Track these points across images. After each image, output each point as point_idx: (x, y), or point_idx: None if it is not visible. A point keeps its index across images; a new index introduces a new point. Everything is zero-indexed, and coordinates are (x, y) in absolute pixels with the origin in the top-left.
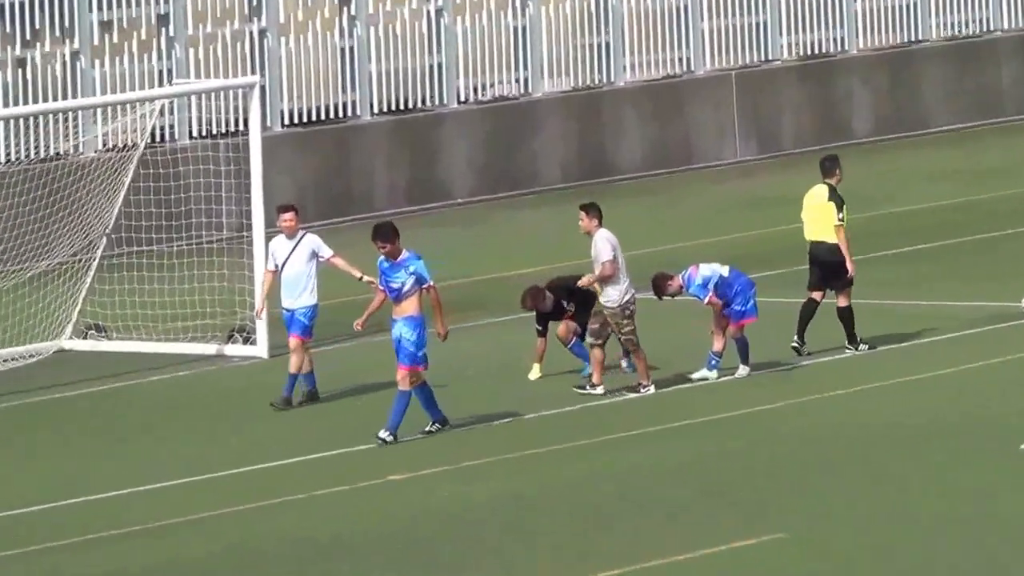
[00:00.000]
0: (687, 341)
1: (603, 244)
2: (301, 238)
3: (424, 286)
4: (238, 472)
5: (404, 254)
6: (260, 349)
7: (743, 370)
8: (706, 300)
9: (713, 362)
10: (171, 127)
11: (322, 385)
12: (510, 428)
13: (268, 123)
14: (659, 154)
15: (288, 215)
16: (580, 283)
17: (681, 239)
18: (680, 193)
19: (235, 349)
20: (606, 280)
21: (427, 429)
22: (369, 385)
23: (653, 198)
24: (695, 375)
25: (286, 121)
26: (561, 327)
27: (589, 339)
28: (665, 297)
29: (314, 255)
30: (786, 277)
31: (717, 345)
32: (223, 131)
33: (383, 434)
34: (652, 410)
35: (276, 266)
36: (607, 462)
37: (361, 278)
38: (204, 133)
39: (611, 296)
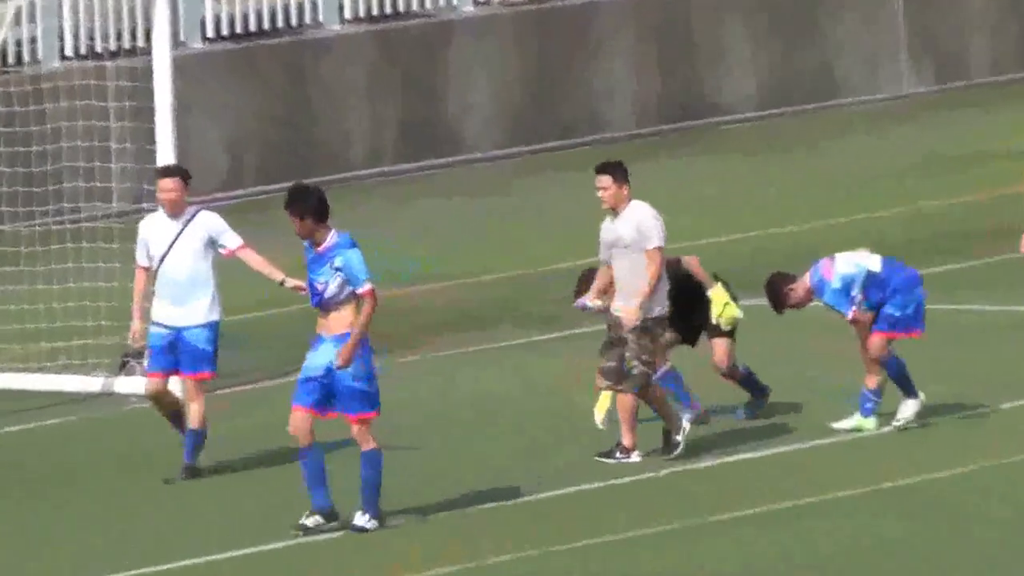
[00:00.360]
0: (807, 364)
1: (651, 222)
2: (191, 219)
3: (356, 290)
4: None
5: (331, 239)
6: (172, 384)
7: (909, 407)
8: (849, 315)
9: (868, 405)
10: (32, 42)
11: (240, 445)
12: (530, 509)
13: (183, 36)
14: (782, 88)
15: (169, 183)
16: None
17: (813, 216)
18: (813, 146)
19: (131, 384)
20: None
21: (303, 522)
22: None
23: (770, 153)
24: (841, 424)
25: (210, 33)
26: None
27: (602, 383)
28: (787, 310)
29: (211, 244)
30: (982, 274)
31: (872, 381)
32: (112, 49)
33: (362, 521)
34: (759, 479)
35: (151, 261)
36: (686, 560)
37: (283, 282)
38: (83, 51)
39: (651, 303)
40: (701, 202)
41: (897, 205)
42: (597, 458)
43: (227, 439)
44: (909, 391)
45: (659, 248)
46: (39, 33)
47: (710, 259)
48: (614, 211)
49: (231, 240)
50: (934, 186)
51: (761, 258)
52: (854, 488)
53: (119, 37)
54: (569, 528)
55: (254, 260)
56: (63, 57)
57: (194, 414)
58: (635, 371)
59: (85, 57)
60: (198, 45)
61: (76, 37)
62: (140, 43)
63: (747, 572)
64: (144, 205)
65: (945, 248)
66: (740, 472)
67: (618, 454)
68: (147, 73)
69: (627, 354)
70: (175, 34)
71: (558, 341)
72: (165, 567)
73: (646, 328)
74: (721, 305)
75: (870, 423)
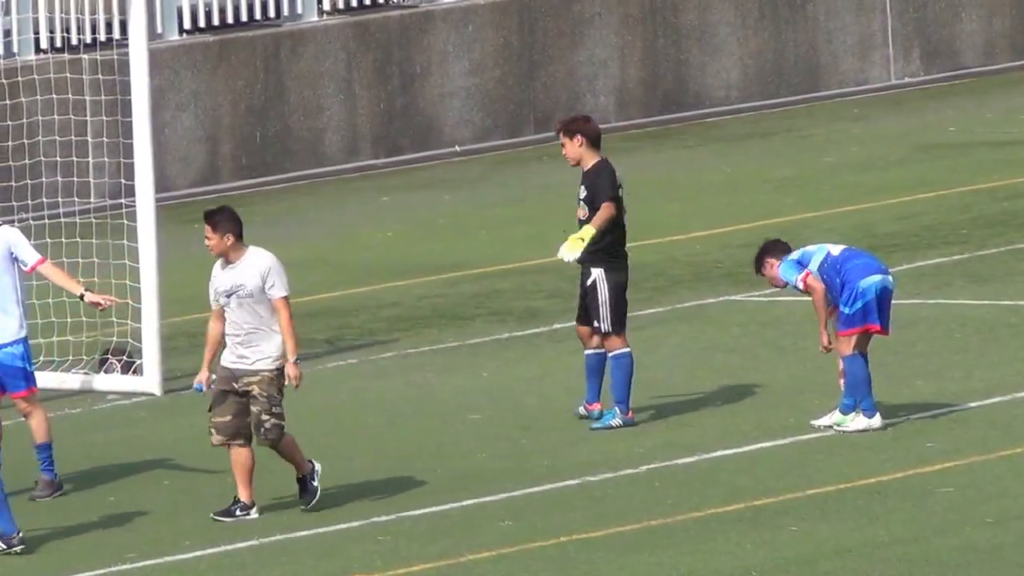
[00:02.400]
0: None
1: (279, 269)
2: None
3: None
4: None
5: (243, 253)
6: (148, 381)
7: (855, 420)
8: (799, 282)
9: (846, 401)
10: (6, 35)
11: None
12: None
13: (159, 28)
14: (768, 77)
15: None
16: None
17: (801, 207)
18: (801, 135)
19: (110, 381)
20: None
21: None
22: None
23: (757, 142)
24: (821, 420)
25: (187, 24)
26: None
27: (217, 439)
28: (762, 276)
29: (12, 260)
30: (973, 266)
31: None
32: (88, 42)
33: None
34: (742, 477)
35: None
36: (667, 559)
37: (83, 296)
38: (59, 44)
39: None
40: (686, 193)
41: (886, 196)
42: (214, 517)
43: (190, 439)
44: (852, 398)
45: (287, 297)
46: (14, 26)
47: (697, 251)
48: (226, 259)
49: (29, 256)
50: (923, 176)
51: (748, 250)
52: (839, 485)
53: (95, 30)
54: (546, 526)
55: (54, 275)
56: (38, 50)
57: (38, 429)
58: (268, 424)
59: (61, 50)
60: (175, 37)
61: (51, 30)
62: (116, 35)
63: (730, 570)
64: (123, 200)
65: (935, 240)
66: (721, 470)
67: (238, 511)
68: (124, 65)
69: (256, 408)
70: (152, 26)
71: (535, 337)
72: (148, 563)
73: (273, 379)
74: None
75: (849, 419)
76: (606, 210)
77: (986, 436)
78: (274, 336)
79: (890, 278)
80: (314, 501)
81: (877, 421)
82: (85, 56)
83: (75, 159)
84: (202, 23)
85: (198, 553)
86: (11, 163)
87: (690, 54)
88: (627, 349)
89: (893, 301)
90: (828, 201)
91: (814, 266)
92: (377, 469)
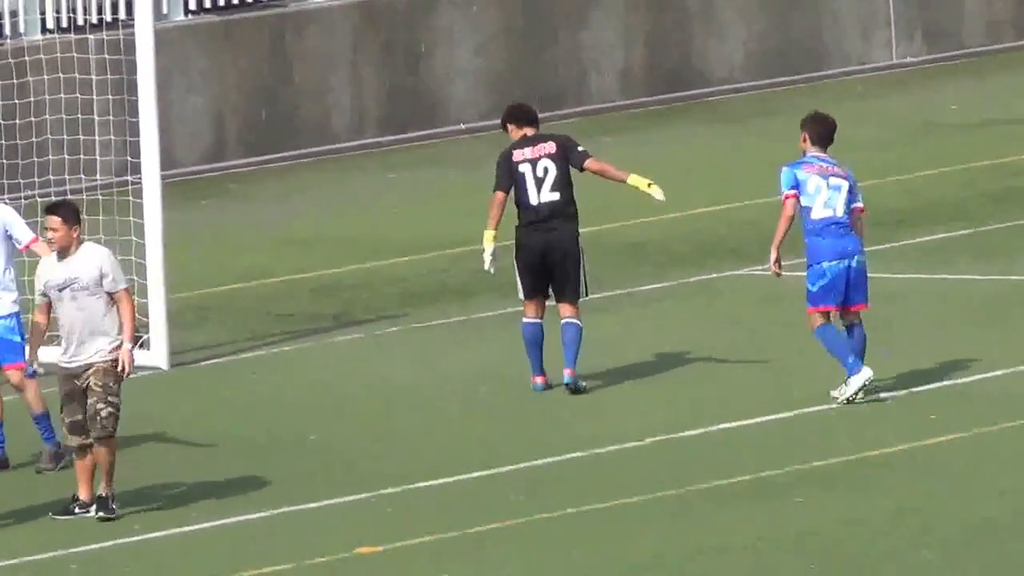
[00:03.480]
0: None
1: (115, 262)
2: None
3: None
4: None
5: (80, 247)
6: (157, 356)
7: (851, 383)
8: (782, 191)
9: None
10: (13, 15)
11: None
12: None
13: (165, 9)
14: (771, 57)
15: None
16: None
17: None
18: (804, 115)
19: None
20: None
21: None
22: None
23: (761, 121)
24: (841, 392)
25: (192, 5)
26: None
27: (74, 441)
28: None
29: (7, 238)
30: (977, 243)
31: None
32: (94, 22)
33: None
34: (745, 449)
35: None
36: (671, 531)
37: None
38: (65, 25)
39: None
40: (690, 173)
41: (890, 174)
42: (53, 516)
43: (198, 413)
44: (850, 365)
45: (128, 288)
46: (21, 6)
47: (700, 229)
48: (62, 252)
49: (23, 234)
50: (927, 155)
51: (752, 229)
52: (844, 457)
53: (101, 10)
54: (554, 498)
55: (45, 253)
56: (45, 30)
57: (34, 400)
58: (104, 412)
59: (67, 30)
60: (180, 17)
61: (58, 10)
62: (122, 15)
63: (737, 542)
64: (128, 178)
65: (939, 217)
66: (727, 443)
67: (76, 508)
68: (130, 45)
69: (92, 399)
70: (157, 6)
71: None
72: (156, 535)
73: (109, 369)
74: (645, 185)
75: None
76: (493, 199)
77: (990, 409)
78: (108, 329)
79: (857, 258)
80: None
81: (867, 372)
82: (91, 36)
83: (82, 137)
84: (208, 3)
85: (205, 525)
86: (19, 142)
87: (694, 35)
88: (524, 318)
89: (897, 275)
90: None
91: (800, 191)
92: (384, 443)
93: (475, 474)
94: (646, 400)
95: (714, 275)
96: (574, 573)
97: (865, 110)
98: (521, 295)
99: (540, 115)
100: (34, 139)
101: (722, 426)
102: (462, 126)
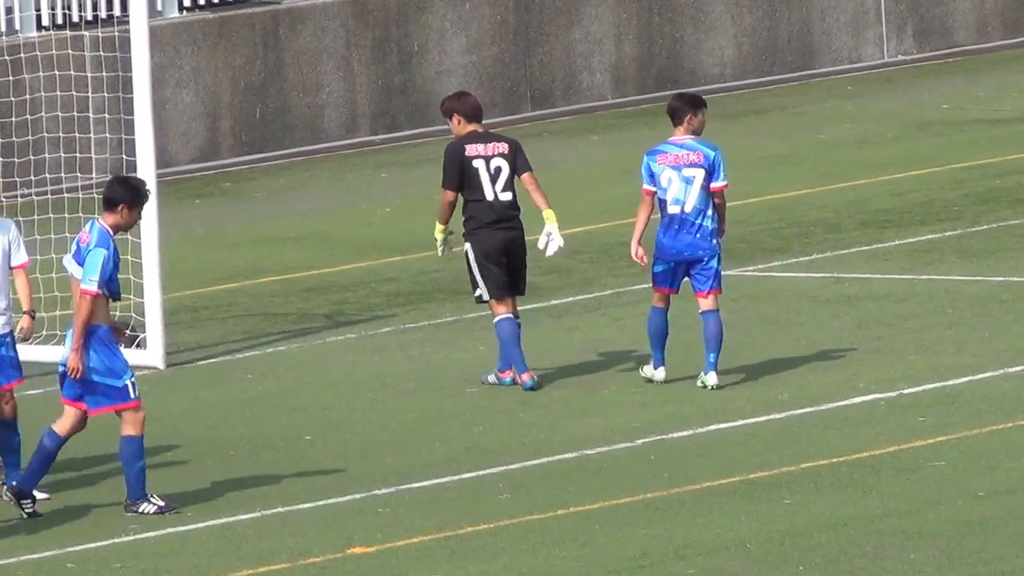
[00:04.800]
0: (788, 334)
1: (19, 238)
2: None
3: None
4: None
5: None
6: (152, 354)
7: (653, 372)
8: (642, 182)
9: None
10: (8, 12)
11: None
12: (505, 480)
13: (159, 5)
14: (762, 55)
15: None
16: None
17: (794, 184)
18: (794, 113)
19: None
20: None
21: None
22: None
23: (751, 119)
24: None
25: (187, 2)
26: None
27: None
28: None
29: (6, 255)
30: (967, 243)
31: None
32: (89, 18)
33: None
34: (736, 450)
35: None
36: (662, 531)
37: (28, 313)
38: (60, 21)
39: None
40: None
41: (880, 173)
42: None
43: (193, 412)
44: (655, 355)
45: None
46: (16, 3)
47: None
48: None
49: (19, 256)
50: (916, 153)
51: (740, 229)
52: (833, 458)
53: (96, 7)
54: (544, 499)
55: (23, 283)
56: (40, 27)
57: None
58: None
59: (62, 27)
60: (175, 14)
61: (53, 7)
62: (117, 12)
63: (725, 543)
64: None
65: (927, 218)
66: (716, 443)
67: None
68: (124, 43)
69: None
70: (152, 3)
71: (532, 312)
72: (132, 538)
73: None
74: (550, 227)
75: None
76: (442, 199)
77: (978, 410)
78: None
79: (701, 255)
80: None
81: (660, 374)
82: (86, 33)
83: (77, 135)
84: (202, 0)
85: (200, 525)
86: (14, 139)
87: (685, 32)
88: (499, 316)
89: (884, 276)
90: (821, 178)
91: (657, 185)
92: (377, 443)
93: (466, 475)
94: (635, 401)
95: None
96: (564, 573)
97: (855, 108)
98: (486, 296)
99: (531, 113)
100: (30, 137)
101: (711, 427)
102: None
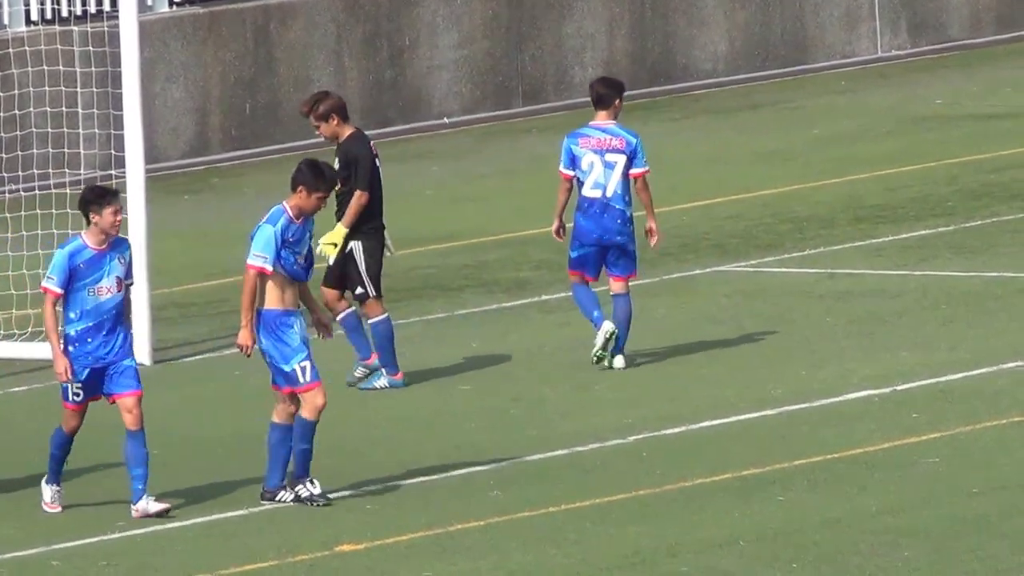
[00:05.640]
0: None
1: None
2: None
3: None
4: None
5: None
6: (140, 351)
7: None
8: (561, 163)
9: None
10: None
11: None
12: (496, 477)
13: (149, 1)
14: (755, 49)
15: None
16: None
17: (788, 180)
18: (788, 108)
19: None
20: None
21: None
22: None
23: (745, 114)
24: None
25: None
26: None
27: None
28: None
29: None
30: (960, 238)
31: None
32: (79, 13)
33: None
34: (729, 447)
35: None
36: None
37: None
38: (49, 16)
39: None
40: (674, 165)
41: (873, 168)
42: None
43: (180, 409)
44: (595, 319)
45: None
46: None
47: (682, 225)
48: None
49: None
50: (910, 148)
51: (734, 224)
52: (826, 455)
53: (85, 2)
54: (535, 496)
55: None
56: (29, 22)
57: None
58: None
59: (51, 22)
60: (164, 9)
61: (42, 1)
62: (106, 7)
63: (717, 541)
64: (112, 172)
65: (922, 212)
66: (708, 440)
67: None
68: (114, 38)
69: None
70: None
71: (524, 308)
72: (138, 531)
73: None
74: (331, 243)
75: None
76: (357, 200)
77: (972, 407)
78: None
79: (618, 240)
80: None
81: (607, 326)
82: (75, 28)
83: (65, 130)
84: None
85: (187, 522)
86: (2, 135)
87: (678, 26)
88: (385, 315)
89: (878, 271)
90: (815, 173)
91: (578, 169)
92: (366, 439)
93: (457, 472)
94: (628, 397)
95: (696, 271)
96: (555, 571)
97: (848, 104)
98: (373, 292)
99: (523, 108)
100: (18, 132)
101: (704, 424)
102: (445, 120)
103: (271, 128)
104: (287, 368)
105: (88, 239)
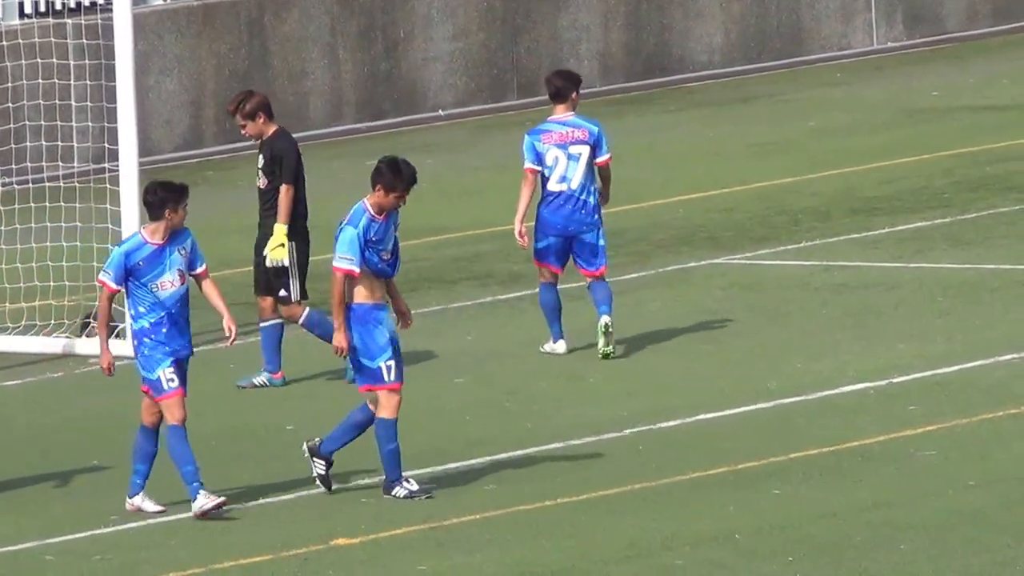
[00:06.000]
0: (775, 325)
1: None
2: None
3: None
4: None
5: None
6: (130, 345)
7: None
8: (525, 161)
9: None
10: None
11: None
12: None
13: None
14: (750, 41)
15: None
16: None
17: (784, 172)
18: (783, 100)
19: (92, 345)
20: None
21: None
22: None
23: (740, 107)
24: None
25: None
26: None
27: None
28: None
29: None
30: (956, 230)
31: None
32: (72, 6)
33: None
34: (725, 440)
35: None
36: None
37: None
38: (43, 9)
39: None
40: (669, 157)
41: (869, 160)
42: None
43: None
44: (554, 329)
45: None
46: None
47: (678, 217)
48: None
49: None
50: (906, 141)
51: (729, 216)
52: (822, 448)
53: None
54: (531, 489)
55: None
56: (23, 15)
57: None
58: None
59: (45, 15)
60: (158, 2)
61: None
62: (100, 0)
63: (713, 533)
64: (106, 165)
65: (918, 204)
66: (704, 433)
67: None
68: (107, 30)
69: None
70: None
71: (518, 300)
72: (132, 525)
73: None
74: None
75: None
76: (287, 195)
77: (968, 399)
78: None
79: (586, 232)
80: None
81: (560, 347)
82: (69, 21)
83: (59, 123)
84: None
85: (181, 516)
86: None
87: (673, 19)
88: (277, 320)
89: (874, 264)
90: (811, 166)
91: (543, 164)
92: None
93: (451, 465)
94: (623, 390)
95: (691, 263)
96: (550, 564)
97: (844, 96)
98: (297, 297)
99: (518, 100)
100: (11, 125)
101: (699, 417)
102: (440, 112)
103: None
104: (372, 365)
105: (149, 235)
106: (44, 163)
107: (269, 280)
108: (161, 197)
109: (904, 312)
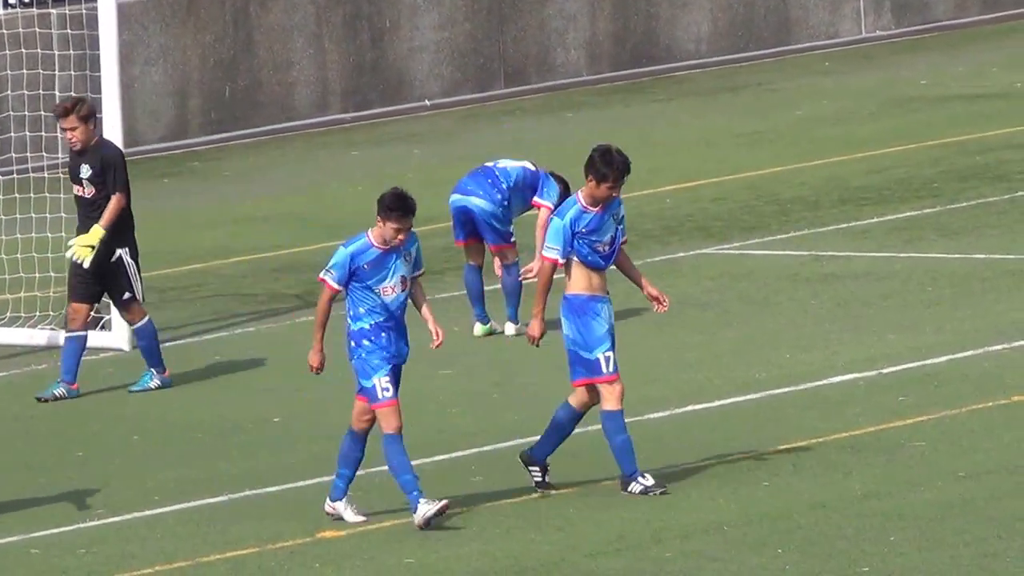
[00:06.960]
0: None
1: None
2: None
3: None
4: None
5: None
6: (117, 336)
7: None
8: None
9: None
10: None
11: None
12: (481, 460)
13: None
14: (738, 30)
15: None
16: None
17: (771, 162)
18: (771, 89)
19: (103, 338)
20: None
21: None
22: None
23: (727, 96)
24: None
25: None
26: None
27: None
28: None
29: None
30: (944, 220)
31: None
32: None
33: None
34: (716, 431)
35: None
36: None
37: None
38: None
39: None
40: (656, 147)
41: (857, 149)
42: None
43: (160, 394)
44: (474, 313)
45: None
46: None
47: (667, 207)
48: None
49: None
50: (895, 130)
51: (717, 207)
52: (812, 439)
53: None
54: (518, 481)
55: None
56: (7, 5)
57: None
58: None
59: (29, 4)
60: None
61: None
62: None
63: (703, 525)
64: None
65: (905, 195)
66: (693, 425)
67: None
68: (92, 20)
69: None
70: None
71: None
72: (117, 519)
73: None
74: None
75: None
76: (117, 203)
77: (958, 390)
78: None
79: (471, 200)
80: None
81: (477, 330)
82: (53, 11)
83: (43, 114)
84: None
85: (166, 509)
86: None
87: (660, 7)
88: (147, 317)
89: (863, 254)
90: (799, 155)
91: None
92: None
93: (438, 457)
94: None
95: (680, 253)
96: (539, 557)
97: (832, 85)
98: (142, 297)
99: (505, 90)
100: None
101: (689, 408)
102: (426, 103)
103: (250, 111)
104: (591, 357)
105: (375, 238)
106: (28, 153)
107: (88, 287)
108: (388, 206)
109: (894, 302)
